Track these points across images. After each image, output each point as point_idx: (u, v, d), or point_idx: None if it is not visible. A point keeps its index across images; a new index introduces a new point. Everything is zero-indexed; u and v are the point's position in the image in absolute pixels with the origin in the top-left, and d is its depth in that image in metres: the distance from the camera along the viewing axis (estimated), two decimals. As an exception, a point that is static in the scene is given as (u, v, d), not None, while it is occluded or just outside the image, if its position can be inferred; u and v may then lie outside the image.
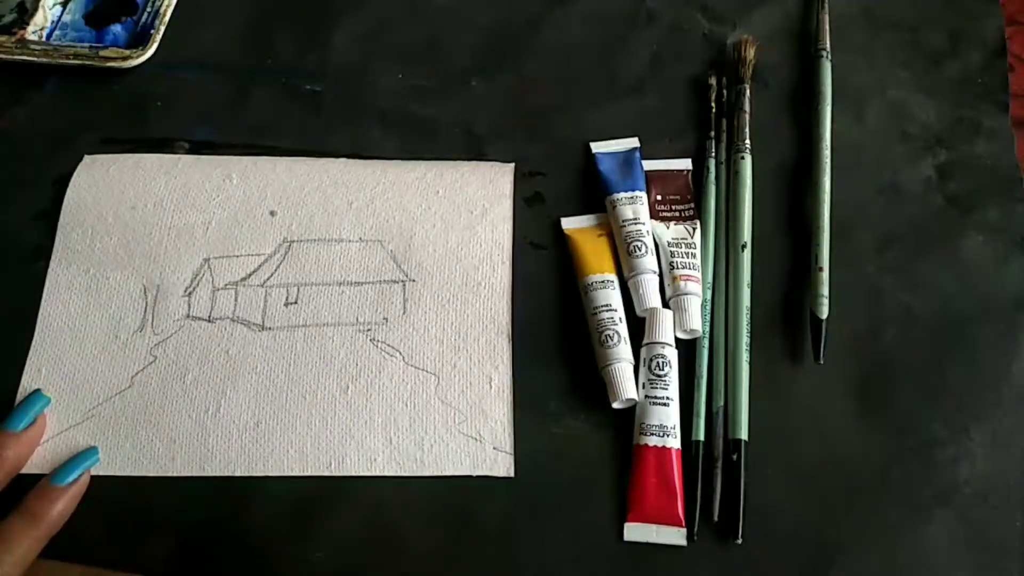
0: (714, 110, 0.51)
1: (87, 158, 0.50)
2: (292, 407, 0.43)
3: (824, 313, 0.44)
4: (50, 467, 0.41)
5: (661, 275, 0.46)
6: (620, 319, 0.44)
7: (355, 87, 0.53)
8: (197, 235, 0.47)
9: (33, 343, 0.44)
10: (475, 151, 0.50)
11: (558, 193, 0.49)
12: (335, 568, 0.40)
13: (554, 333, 0.45)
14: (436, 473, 0.41)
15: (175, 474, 0.41)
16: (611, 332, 0.43)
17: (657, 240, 0.46)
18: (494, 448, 0.42)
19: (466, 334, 0.44)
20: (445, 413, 0.43)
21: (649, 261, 0.45)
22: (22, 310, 0.45)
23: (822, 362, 0.43)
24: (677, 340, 0.44)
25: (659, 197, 0.48)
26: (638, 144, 0.50)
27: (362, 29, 0.55)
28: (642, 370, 0.43)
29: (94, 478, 0.41)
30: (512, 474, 0.41)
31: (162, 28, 0.53)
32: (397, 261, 0.46)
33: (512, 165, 0.50)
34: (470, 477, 0.41)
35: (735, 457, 0.41)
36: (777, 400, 0.43)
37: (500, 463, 0.41)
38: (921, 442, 0.42)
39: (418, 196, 0.48)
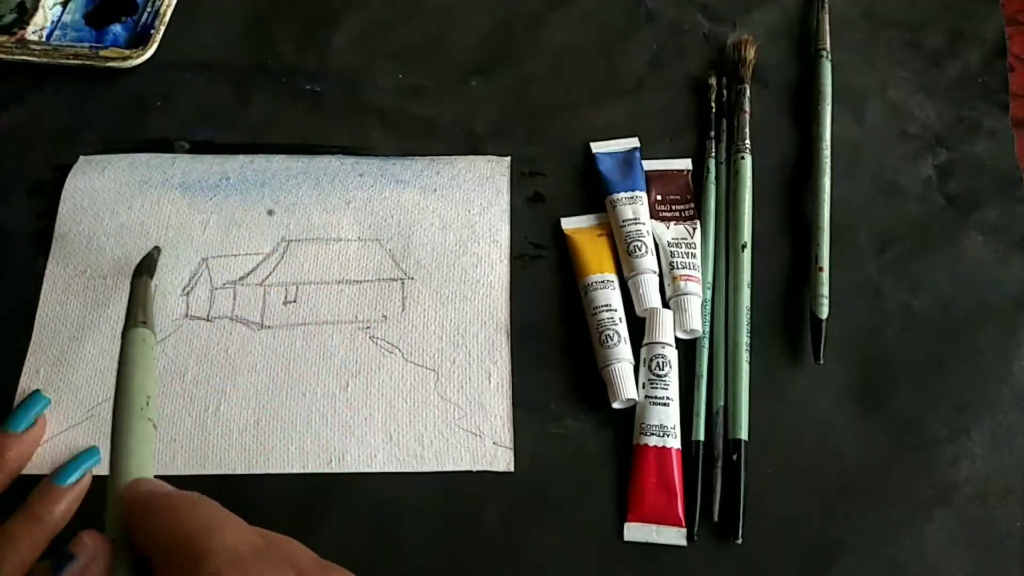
0: (714, 110, 0.51)
1: (82, 159, 0.50)
2: (292, 404, 0.43)
3: (824, 313, 0.44)
4: (51, 468, 0.41)
5: (661, 275, 0.46)
6: (620, 319, 0.44)
7: (355, 87, 0.53)
8: (195, 235, 0.47)
9: (32, 343, 0.44)
10: (475, 151, 0.50)
11: (558, 193, 0.49)
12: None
13: (554, 333, 0.45)
14: (436, 469, 0.41)
15: (175, 473, 0.41)
16: (611, 332, 0.43)
17: (657, 240, 0.46)
18: (494, 443, 0.42)
19: (465, 330, 0.44)
20: (444, 409, 0.43)
21: (649, 261, 0.45)
22: (21, 310, 0.45)
23: (822, 362, 0.43)
24: (677, 340, 0.44)
25: (659, 197, 0.48)
26: (638, 144, 0.50)
27: (362, 29, 0.55)
28: (642, 370, 0.43)
29: (95, 478, 0.41)
30: (512, 469, 0.41)
31: (162, 28, 0.53)
32: (396, 260, 0.46)
33: (508, 159, 0.50)
34: (470, 473, 0.41)
35: (735, 457, 0.41)
36: (777, 400, 0.43)
37: (500, 458, 0.41)
38: (921, 442, 0.42)
39: (416, 195, 0.48)
